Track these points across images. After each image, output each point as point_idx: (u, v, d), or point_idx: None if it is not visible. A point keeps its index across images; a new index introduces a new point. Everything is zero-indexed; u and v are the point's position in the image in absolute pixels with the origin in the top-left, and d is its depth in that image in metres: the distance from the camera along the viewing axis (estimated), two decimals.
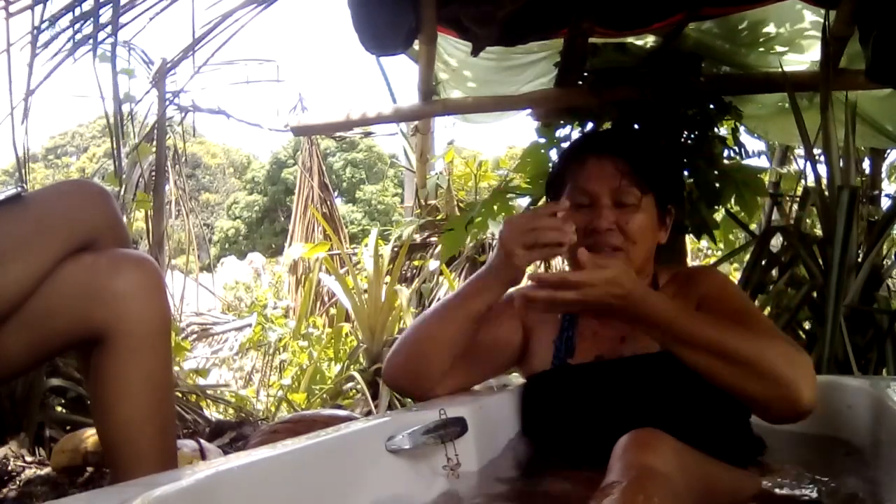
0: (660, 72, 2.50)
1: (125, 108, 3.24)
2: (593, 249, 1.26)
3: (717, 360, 1.09)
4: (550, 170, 1.42)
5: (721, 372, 1.10)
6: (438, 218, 5.17)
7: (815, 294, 2.26)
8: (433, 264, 4.74)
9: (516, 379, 1.63)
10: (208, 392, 3.44)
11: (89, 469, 1.85)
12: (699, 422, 1.16)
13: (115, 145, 2.61)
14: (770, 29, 2.60)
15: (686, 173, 2.57)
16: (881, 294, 2.34)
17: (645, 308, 1.11)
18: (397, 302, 4.07)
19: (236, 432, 2.43)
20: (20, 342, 1.11)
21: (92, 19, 2.30)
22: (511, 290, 1.31)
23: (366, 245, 4.79)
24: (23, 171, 2.22)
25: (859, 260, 2.27)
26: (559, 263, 4.40)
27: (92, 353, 1.14)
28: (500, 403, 1.38)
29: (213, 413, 3.33)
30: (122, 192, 3.48)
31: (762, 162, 3.75)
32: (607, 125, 2.67)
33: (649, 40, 2.73)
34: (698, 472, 0.93)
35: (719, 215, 2.74)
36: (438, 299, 4.51)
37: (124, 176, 3.74)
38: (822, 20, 2.39)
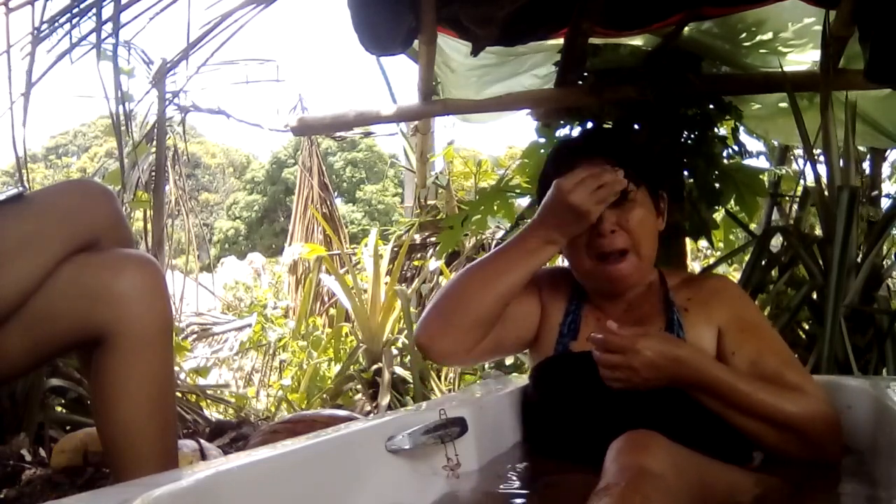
0: (660, 72, 2.50)
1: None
2: (599, 256, 1.29)
3: (764, 425, 1.15)
4: (540, 175, 1.42)
5: (767, 436, 1.16)
6: (438, 217, 5.17)
7: (814, 294, 2.26)
8: (433, 264, 4.74)
9: (516, 379, 1.64)
10: (208, 392, 3.44)
11: (89, 469, 1.85)
12: (695, 419, 1.17)
13: (121, 143, 2.61)
14: (769, 29, 2.60)
15: (686, 173, 2.57)
16: (881, 294, 2.34)
17: (696, 370, 1.15)
18: (397, 302, 4.07)
19: (236, 432, 2.43)
20: (21, 342, 1.11)
21: (93, 15, 2.29)
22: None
23: (365, 245, 4.79)
24: (23, 171, 2.21)
25: (859, 260, 2.27)
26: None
27: (93, 353, 1.14)
28: (500, 404, 1.39)
29: (213, 413, 3.33)
30: (122, 192, 3.48)
31: (762, 162, 3.75)
32: (607, 125, 2.67)
33: (649, 40, 2.73)
34: (694, 472, 0.93)
35: (719, 215, 2.73)
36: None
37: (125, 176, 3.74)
38: (821, 20, 2.39)
